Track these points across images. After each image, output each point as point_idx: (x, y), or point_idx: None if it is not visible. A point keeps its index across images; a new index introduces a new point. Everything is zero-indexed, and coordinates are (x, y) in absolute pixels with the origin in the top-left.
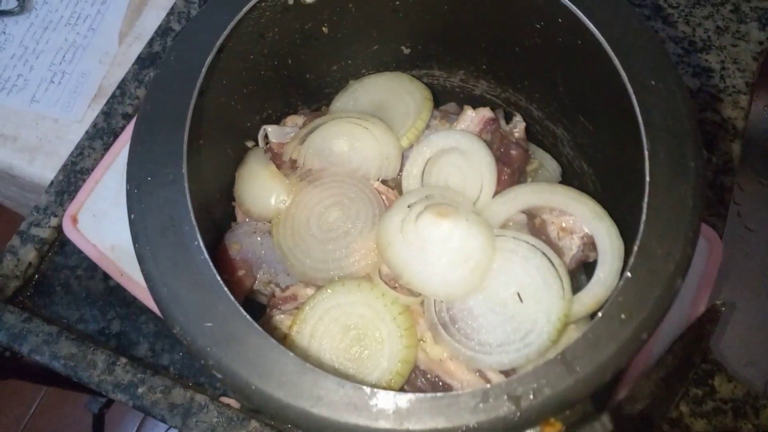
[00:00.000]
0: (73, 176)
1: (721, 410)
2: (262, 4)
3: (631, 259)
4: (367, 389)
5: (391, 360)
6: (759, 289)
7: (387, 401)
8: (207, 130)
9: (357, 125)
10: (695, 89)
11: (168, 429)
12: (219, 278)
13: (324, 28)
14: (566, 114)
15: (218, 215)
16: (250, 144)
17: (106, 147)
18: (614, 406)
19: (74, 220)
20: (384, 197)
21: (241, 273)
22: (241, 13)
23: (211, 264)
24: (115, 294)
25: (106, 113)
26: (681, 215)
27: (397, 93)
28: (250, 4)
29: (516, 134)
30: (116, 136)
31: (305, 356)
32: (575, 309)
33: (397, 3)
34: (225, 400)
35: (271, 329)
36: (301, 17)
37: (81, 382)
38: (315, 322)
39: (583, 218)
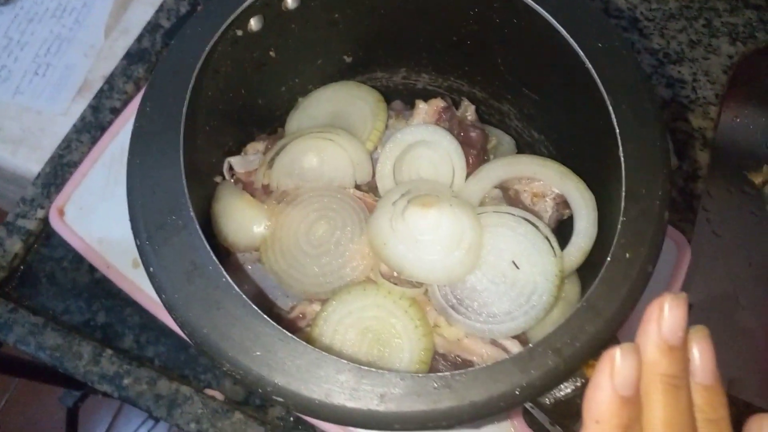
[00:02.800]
0: (60, 169)
1: None
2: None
3: (622, 204)
4: (423, 377)
5: (413, 351)
6: (724, 292)
7: (443, 382)
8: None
9: (321, 139)
10: (668, 99)
11: (142, 424)
12: (256, 308)
13: (271, 53)
14: (510, 90)
15: None
16: (218, 179)
17: (94, 140)
18: None
19: (61, 213)
20: (362, 201)
21: None
22: (206, 51)
23: (244, 296)
24: (100, 286)
25: (94, 107)
26: (653, 156)
27: (348, 101)
28: (211, 44)
29: (469, 117)
30: (104, 129)
31: None
32: (566, 263)
33: (336, 15)
34: (209, 392)
35: None
36: (250, 46)
37: (67, 373)
38: (331, 334)
39: (551, 181)
